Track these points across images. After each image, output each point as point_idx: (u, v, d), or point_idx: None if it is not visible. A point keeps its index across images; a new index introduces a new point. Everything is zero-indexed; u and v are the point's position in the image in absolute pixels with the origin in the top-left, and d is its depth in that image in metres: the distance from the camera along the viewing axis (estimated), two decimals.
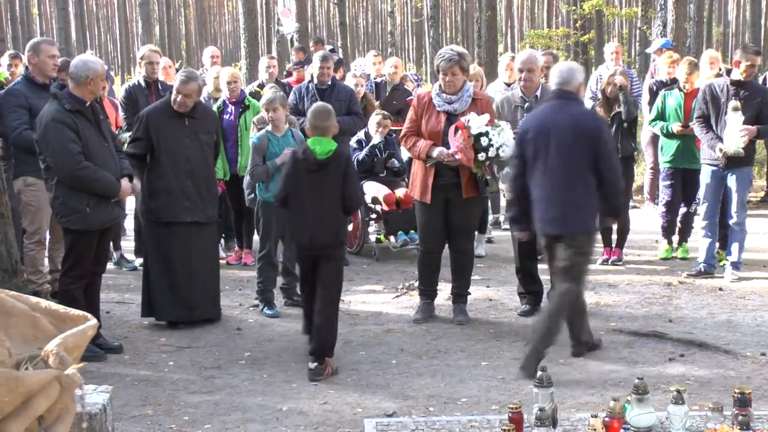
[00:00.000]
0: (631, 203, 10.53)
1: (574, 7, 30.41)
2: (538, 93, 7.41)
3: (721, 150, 7.92)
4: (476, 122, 6.66)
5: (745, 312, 7.22)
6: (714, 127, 8.05)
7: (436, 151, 6.75)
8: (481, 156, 6.63)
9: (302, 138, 7.38)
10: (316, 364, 5.81)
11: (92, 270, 6.40)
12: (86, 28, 48.58)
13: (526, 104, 7.32)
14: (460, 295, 7.20)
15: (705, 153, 8.25)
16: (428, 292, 7.24)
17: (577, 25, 29.22)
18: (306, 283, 6.15)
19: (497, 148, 6.61)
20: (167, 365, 6.16)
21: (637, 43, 26.47)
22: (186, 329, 6.96)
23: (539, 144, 6.02)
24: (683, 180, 9.04)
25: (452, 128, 6.72)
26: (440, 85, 6.90)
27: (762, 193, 12.45)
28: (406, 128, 7.07)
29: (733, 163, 7.97)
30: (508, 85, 10.26)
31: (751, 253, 8.85)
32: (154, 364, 6.18)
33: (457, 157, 6.65)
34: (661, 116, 9.07)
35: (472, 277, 7.29)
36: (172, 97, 6.99)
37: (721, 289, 7.92)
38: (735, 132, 7.84)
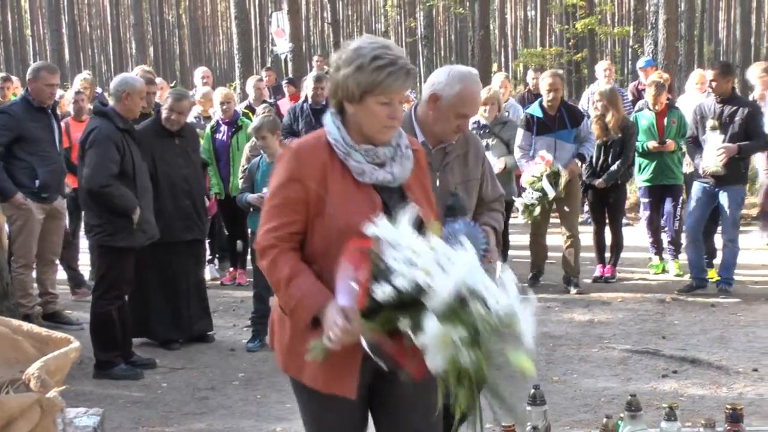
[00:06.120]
0: (625, 221, 10.56)
1: (567, 26, 30.61)
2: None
3: (703, 169, 7.99)
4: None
5: (738, 328, 7.23)
6: (703, 146, 8.10)
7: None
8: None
9: None
10: None
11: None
12: (80, 49, 48.72)
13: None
14: None
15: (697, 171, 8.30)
16: None
17: (570, 43, 29.41)
18: None
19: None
20: (161, 387, 6.14)
21: (630, 62, 26.60)
22: (180, 350, 6.96)
23: None
24: (665, 196, 9.11)
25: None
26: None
27: (756, 210, 12.46)
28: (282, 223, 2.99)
29: (723, 181, 7.99)
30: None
31: (744, 270, 8.86)
32: (147, 386, 6.16)
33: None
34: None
35: None
36: (164, 115, 6.96)
37: (713, 306, 7.92)
38: (712, 151, 7.89)
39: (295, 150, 3.04)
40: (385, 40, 3.05)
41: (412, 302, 2.63)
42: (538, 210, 8.27)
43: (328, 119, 3.08)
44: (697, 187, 8.29)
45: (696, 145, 8.19)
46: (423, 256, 2.67)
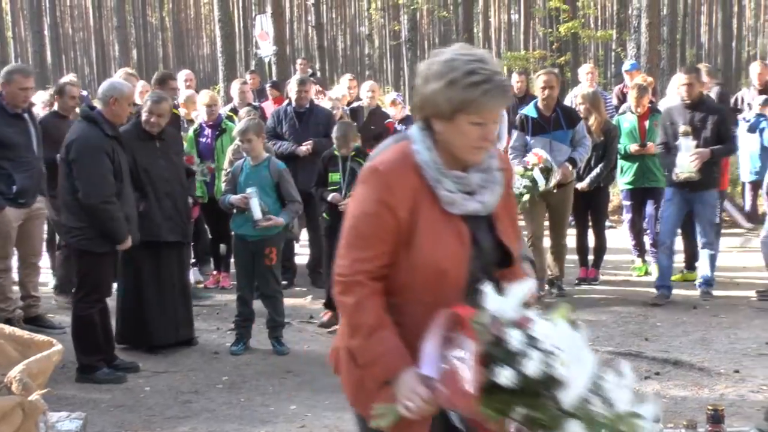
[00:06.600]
0: (608, 223, 10.61)
1: (550, 30, 30.68)
2: None
3: (677, 174, 7.97)
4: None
5: (719, 330, 7.28)
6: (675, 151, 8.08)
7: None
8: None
9: (278, 169, 7.06)
10: None
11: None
12: (62, 51, 48.48)
13: None
14: None
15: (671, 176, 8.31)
16: None
17: (554, 47, 29.45)
18: None
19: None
20: (144, 390, 6.12)
21: (613, 65, 26.75)
22: (164, 354, 6.93)
23: None
24: (647, 198, 9.11)
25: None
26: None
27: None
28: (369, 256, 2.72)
29: (697, 186, 7.97)
30: None
31: (724, 272, 8.93)
32: (130, 390, 6.14)
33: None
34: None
35: None
36: (144, 118, 6.91)
37: (695, 308, 7.97)
38: (686, 157, 7.88)
39: (383, 171, 2.68)
40: (481, 51, 2.72)
41: (533, 391, 2.38)
42: (526, 197, 7.93)
43: (418, 137, 2.73)
44: (671, 193, 8.27)
45: (668, 151, 8.14)
46: (559, 344, 2.40)
